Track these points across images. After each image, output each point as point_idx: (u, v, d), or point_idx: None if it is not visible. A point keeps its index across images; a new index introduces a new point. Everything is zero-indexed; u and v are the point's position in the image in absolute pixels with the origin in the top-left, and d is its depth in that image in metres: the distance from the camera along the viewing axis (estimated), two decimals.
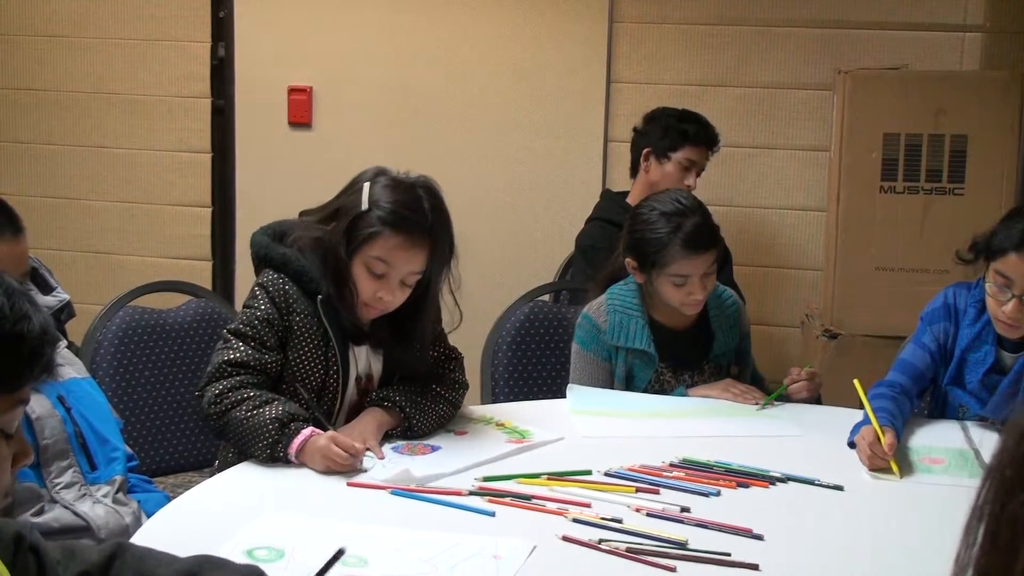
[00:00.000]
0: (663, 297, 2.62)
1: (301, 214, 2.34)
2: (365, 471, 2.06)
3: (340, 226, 2.20)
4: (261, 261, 2.27)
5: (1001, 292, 2.27)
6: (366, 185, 2.22)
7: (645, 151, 3.55)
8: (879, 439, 2.15)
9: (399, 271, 2.20)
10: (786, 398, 2.58)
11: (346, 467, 2.04)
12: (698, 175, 3.51)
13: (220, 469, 2.33)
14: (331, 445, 2.04)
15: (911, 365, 2.47)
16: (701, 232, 2.56)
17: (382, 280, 2.20)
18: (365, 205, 2.19)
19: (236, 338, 2.19)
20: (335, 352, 2.24)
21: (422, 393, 2.30)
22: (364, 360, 2.32)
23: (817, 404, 2.60)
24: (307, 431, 2.08)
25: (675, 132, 3.51)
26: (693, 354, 2.69)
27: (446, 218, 2.26)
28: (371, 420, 2.22)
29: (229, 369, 2.15)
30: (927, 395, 2.57)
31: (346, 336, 2.26)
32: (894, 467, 2.13)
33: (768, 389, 2.68)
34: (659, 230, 2.56)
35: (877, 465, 2.14)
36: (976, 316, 2.38)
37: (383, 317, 2.28)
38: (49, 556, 1.40)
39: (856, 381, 2.37)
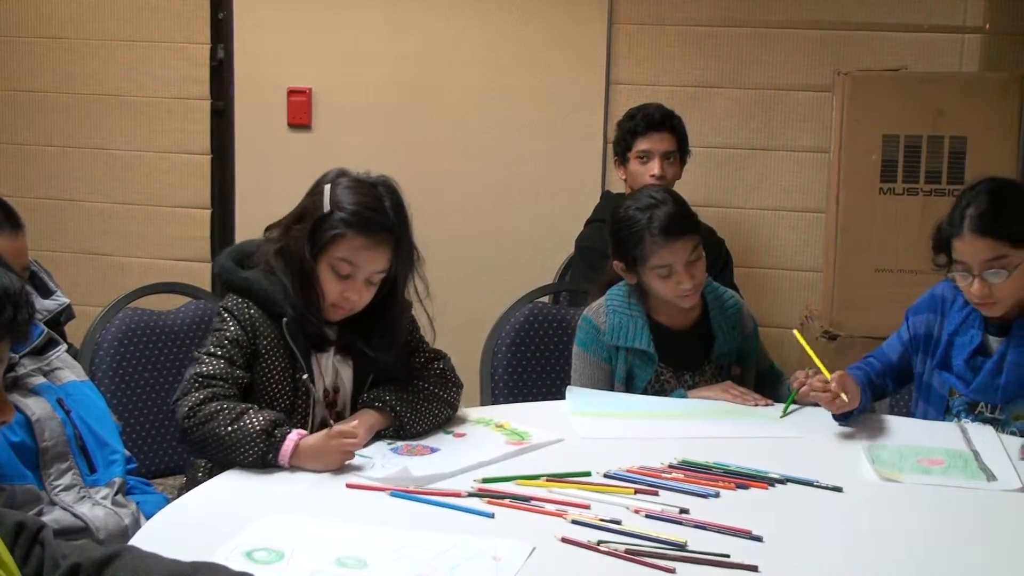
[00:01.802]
0: (655, 292, 2.64)
1: (266, 230, 2.33)
2: (359, 468, 2.07)
3: (304, 230, 2.22)
4: (224, 286, 2.27)
5: (964, 278, 2.36)
6: (327, 187, 2.24)
7: (614, 162, 3.59)
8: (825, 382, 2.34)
9: (364, 271, 2.22)
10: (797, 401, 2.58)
11: (351, 456, 2.06)
12: (668, 161, 3.45)
13: (188, 486, 2.33)
14: (341, 440, 2.05)
15: (883, 352, 2.64)
16: (674, 219, 2.58)
17: (348, 280, 2.22)
18: (327, 207, 2.21)
19: (207, 356, 2.18)
20: (303, 373, 2.24)
21: (414, 392, 2.31)
22: (331, 373, 2.31)
23: (816, 406, 2.59)
24: (294, 435, 2.08)
25: (622, 132, 3.52)
26: (694, 355, 2.69)
27: (407, 216, 2.28)
28: (362, 421, 2.22)
29: (201, 380, 2.14)
30: (908, 386, 2.67)
31: (315, 349, 2.26)
32: (822, 370, 2.35)
33: (788, 386, 2.69)
34: (635, 224, 2.59)
35: (823, 393, 2.33)
36: (964, 302, 2.46)
37: (349, 321, 2.28)
38: (52, 549, 1.43)
39: (795, 331, 2.61)
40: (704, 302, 2.71)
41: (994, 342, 2.43)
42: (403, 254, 2.27)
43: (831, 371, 2.59)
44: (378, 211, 2.23)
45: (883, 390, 2.62)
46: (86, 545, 1.50)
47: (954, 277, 2.38)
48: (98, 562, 1.43)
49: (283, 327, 2.21)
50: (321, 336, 2.27)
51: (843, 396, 2.30)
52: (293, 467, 2.06)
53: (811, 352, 2.46)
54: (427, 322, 2.41)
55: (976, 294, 2.34)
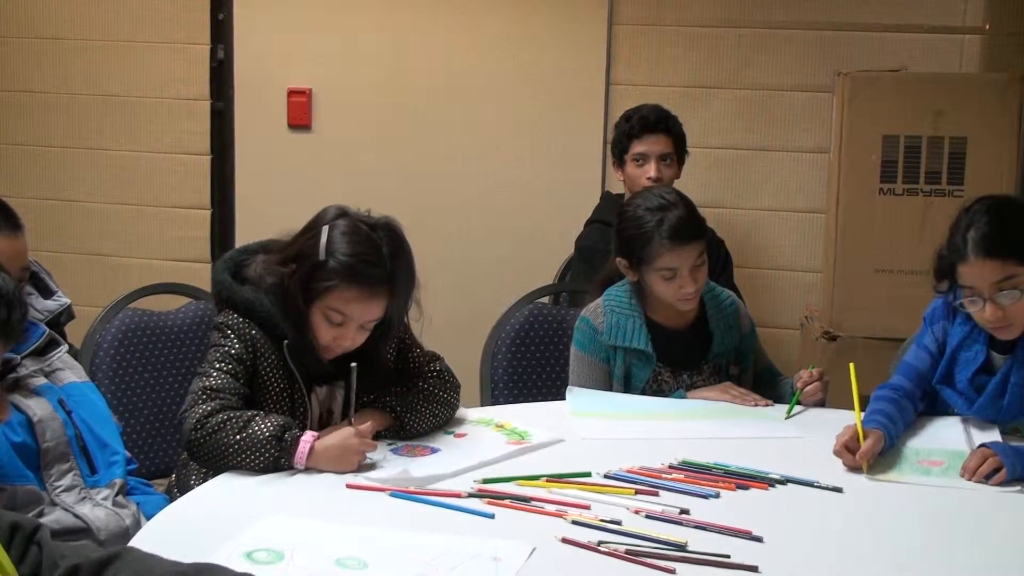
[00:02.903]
0: (656, 294, 2.64)
1: (264, 248, 2.31)
2: (373, 464, 2.08)
3: (299, 273, 2.18)
4: (224, 302, 2.24)
5: (973, 304, 2.25)
6: (324, 230, 2.19)
7: (612, 163, 3.58)
8: (858, 439, 2.17)
9: (357, 320, 2.20)
10: (800, 402, 2.58)
11: (365, 457, 2.07)
12: (665, 163, 3.43)
13: (178, 486, 2.32)
14: (363, 441, 2.07)
15: (912, 368, 2.47)
16: (685, 223, 2.58)
17: (340, 327, 2.19)
18: (322, 255, 2.16)
19: (213, 370, 2.17)
20: (301, 394, 2.24)
21: (414, 393, 2.31)
22: (325, 397, 2.30)
23: (819, 406, 2.59)
24: (308, 436, 2.08)
25: (618, 134, 3.51)
26: (691, 354, 2.70)
27: (407, 260, 2.23)
28: (361, 421, 2.21)
29: (209, 393, 2.13)
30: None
31: (310, 378, 2.26)
32: (864, 466, 2.14)
33: (786, 386, 2.69)
34: (644, 225, 2.59)
35: (849, 463, 2.16)
36: (968, 315, 2.34)
37: (344, 355, 2.27)
38: (50, 549, 1.43)
39: (851, 366, 2.38)
40: (701, 302, 2.71)
41: (999, 359, 2.35)
42: (399, 299, 2.23)
43: (831, 373, 2.60)
44: (374, 263, 2.17)
45: (915, 411, 2.44)
46: (85, 546, 1.50)
47: (962, 304, 2.27)
48: (98, 563, 1.43)
49: (284, 349, 2.20)
50: (321, 371, 2.26)
51: (864, 465, 2.14)
52: (308, 469, 2.06)
53: (856, 403, 2.29)
54: (415, 339, 2.40)
55: (990, 319, 2.23)
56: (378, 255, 2.18)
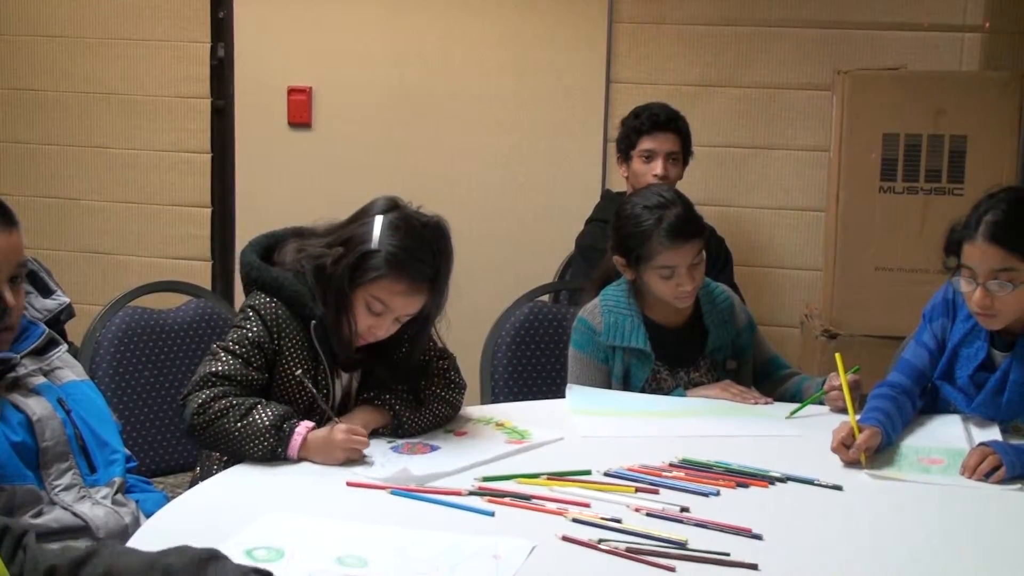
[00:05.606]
0: (653, 292, 2.64)
1: (299, 234, 2.31)
2: (370, 461, 2.09)
3: (347, 259, 2.20)
4: (252, 282, 2.26)
5: (968, 283, 2.27)
6: (378, 219, 2.21)
7: (617, 159, 3.58)
8: (853, 435, 2.18)
9: (396, 312, 2.22)
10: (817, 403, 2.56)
11: (359, 453, 2.09)
12: (672, 161, 3.45)
13: (202, 477, 2.34)
14: (349, 436, 2.08)
15: (912, 365, 2.47)
16: (683, 222, 2.58)
17: (379, 317, 2.22)
18: (375, 244, 2.19)
19: (224, 352, 2.19)
20: (325, 374, 2.25)
21: (414, 392, 2.31)
22: (346, 381, 2.32)
23: (820, 404, 2.59)
24: (302, 427, 2.10)
25: (626, 130, 3.51)
26: (688, 351, 2.70)
27: (450, 261, 2.27)
28: (359, 417, 2.23)
29: (214, 380, 2.15)
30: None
31: (335, 361, 2.27)
32: (863, 459, 2.16)
33: (802, 383, 2.68)
34: (642, 223, 2.59)
35: (846, 458, 2.17)
36: (969, 312, 2.36)
37: (370, 344, 2.28)
38: (32, 552, 1.45)
39: (838, 356, 2.41)
40: (696, 298, 2.71)
41: (998, 356, 2.35)
42: (437, 298, 2.27)
43: (830, 372, 2.58)
44: (423, 260, 2.21)
45: (913, 408, 2.44)
46: (68, 548, 1.51)
47: (959, 281, 2.30)
48: (75, 562, 1.44)
49: (310, 329, 2.21)
50: (347, 358, 2.27)
51: (862, 459, 2.16)
52: (300, 459, 2.09)
53: (847, 392, 2.35)
54: (435, 337, 2.40)
55: (977, 303, 2.25)
56: (427, 252, 2.22)
